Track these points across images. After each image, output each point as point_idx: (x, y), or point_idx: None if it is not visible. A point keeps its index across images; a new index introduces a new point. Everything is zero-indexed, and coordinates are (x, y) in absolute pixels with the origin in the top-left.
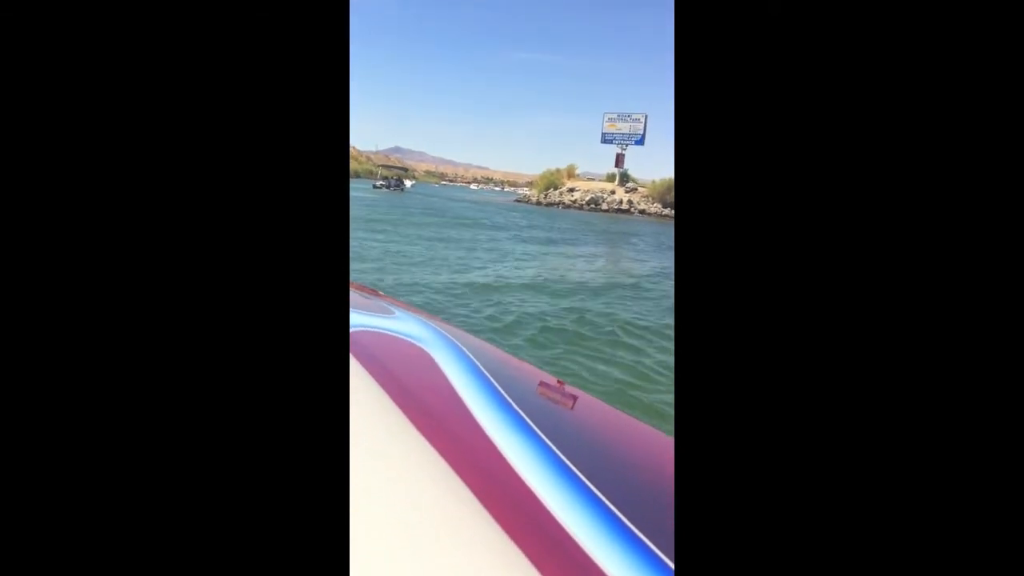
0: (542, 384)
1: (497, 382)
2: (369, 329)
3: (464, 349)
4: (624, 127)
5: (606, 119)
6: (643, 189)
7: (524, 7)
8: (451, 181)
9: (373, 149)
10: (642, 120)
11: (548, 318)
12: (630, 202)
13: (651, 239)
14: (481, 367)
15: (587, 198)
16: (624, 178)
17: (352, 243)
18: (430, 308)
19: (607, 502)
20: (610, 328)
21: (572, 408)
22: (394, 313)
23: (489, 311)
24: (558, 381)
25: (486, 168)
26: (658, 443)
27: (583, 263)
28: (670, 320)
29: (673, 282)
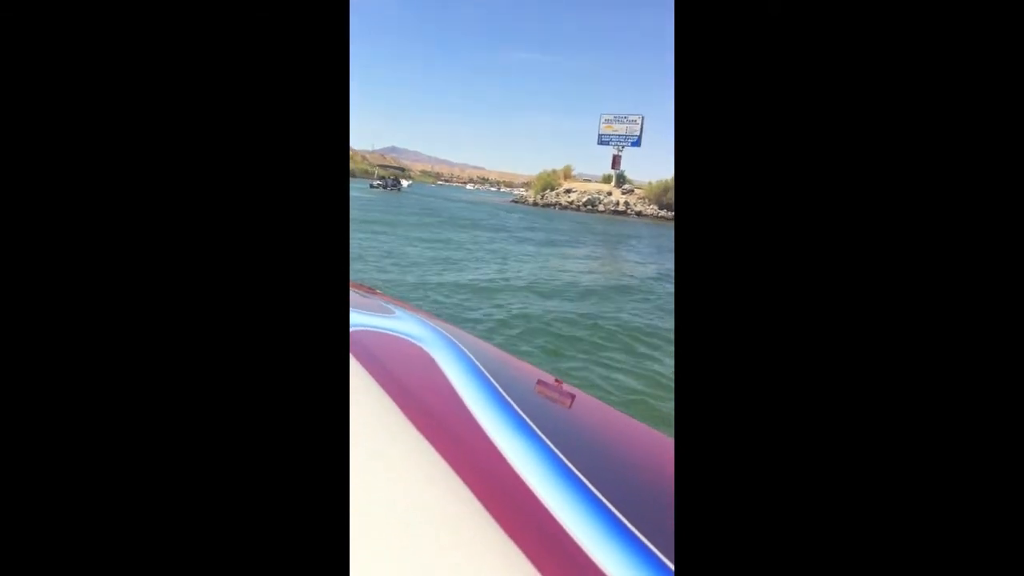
0: (540, 383)
1: (497, 382)
2: (369, 329)
3: (464, 348)
4: (621, 128)
5: (603, 120)
6: (640, 191)
7: (523, 7)
8: (447, 181)
9: (369, 148)
10: (639, 121)
11: (559, 324)
12: (627, 203)
13: (651, 241)
14: (481, 367)
15: (584, 199)
16: (621, 179)
17: (352, 245)
18: (434, 312)
19: (607, 502)
20: (623, 335)
21: (570, 407)
22: (394, 312)
23: (500, 315)
24: (556, 380)
25: (482, 168)
26: (658, 443)
27: (584, 264)
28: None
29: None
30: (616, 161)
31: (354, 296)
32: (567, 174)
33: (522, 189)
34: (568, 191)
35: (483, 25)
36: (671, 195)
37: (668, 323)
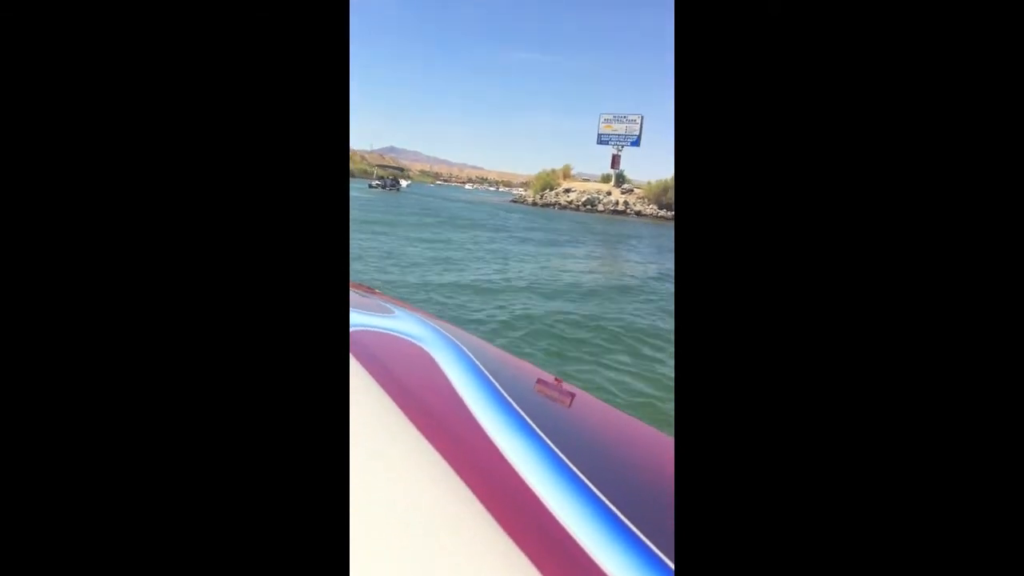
0: (540, 382)
1: (497, 381)
2: (369, 328)
3: (464, 348)
4: (620, 128)
5: (602, 120)
6: (639, 190)
7: (523, 7)
8: (446, 181)
9: (368, 148)
10: (638, 121)
11: (562, 325)
12: (626, 203)
13: (651, 241)
14: (481, 366)
15: (583, 199)
16: (620, 179)
17: (352, 245)
18: (437, 313)
19: (607, 502)
20: (627, 336)
21: (570, 406)
22: (393, 312)
23: (503, 316)
24: (556, 379)
25: (481, 168)
26: (658, 443)
27: (585, 264)
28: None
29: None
30: (615, 161)
31: (354, 296)
32: (566, 174)
33: (521, 189)
34: (567, 191)
35: (483, 25)
36: (670, 195)
37: (671, 324)
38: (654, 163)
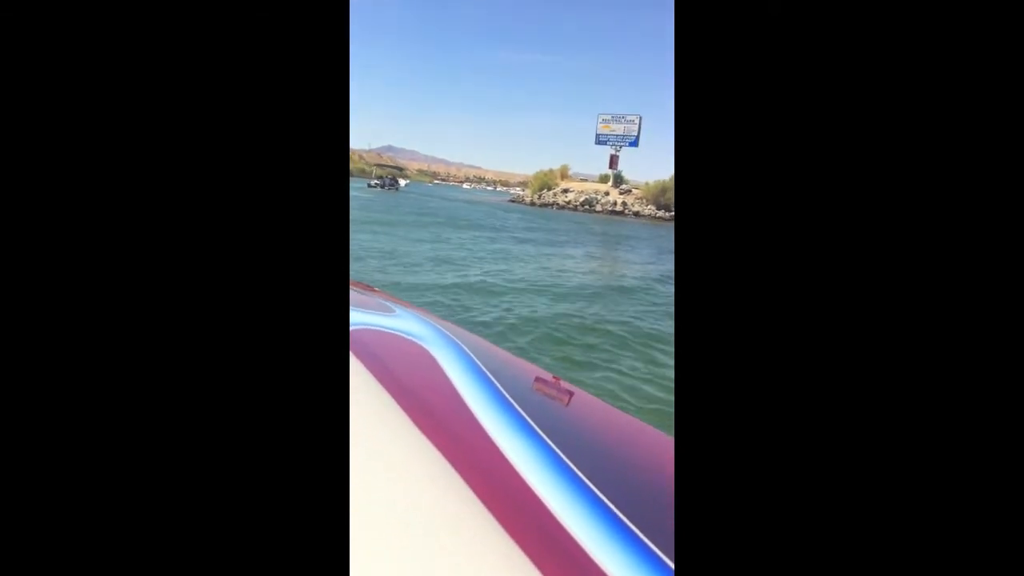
0: (538, 380)
1: (497, 380)
2: (369, 327)
3: (464, 347)
4: (618, 128)
5: (600, 120)
6: (637, 191)
7: (523, 7)
8: (443, 180)
9: (366, 147)
10: (636, 122)
11: (567, 328)
12: (624, 203)
13: (651, 242)
14: (481, 365)
15: (581, 199)
16: (618, 179)
17: (352, 245)
18: (440, 315)
19: (607, 502)
20: (634, 341)
21: (568, 404)
22: (394, 311)
23: (510, 319)
24: (554, 377)
25: (478, 168)
26: (658, 443)
27: (585, 264)
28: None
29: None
30: (614, 161)
31: (354, 294)
32: (564, 174)
33: (518, 188)
34: (565, 191)
35: (483, 25)
36: (669, 195)
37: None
38: (652, 164)
